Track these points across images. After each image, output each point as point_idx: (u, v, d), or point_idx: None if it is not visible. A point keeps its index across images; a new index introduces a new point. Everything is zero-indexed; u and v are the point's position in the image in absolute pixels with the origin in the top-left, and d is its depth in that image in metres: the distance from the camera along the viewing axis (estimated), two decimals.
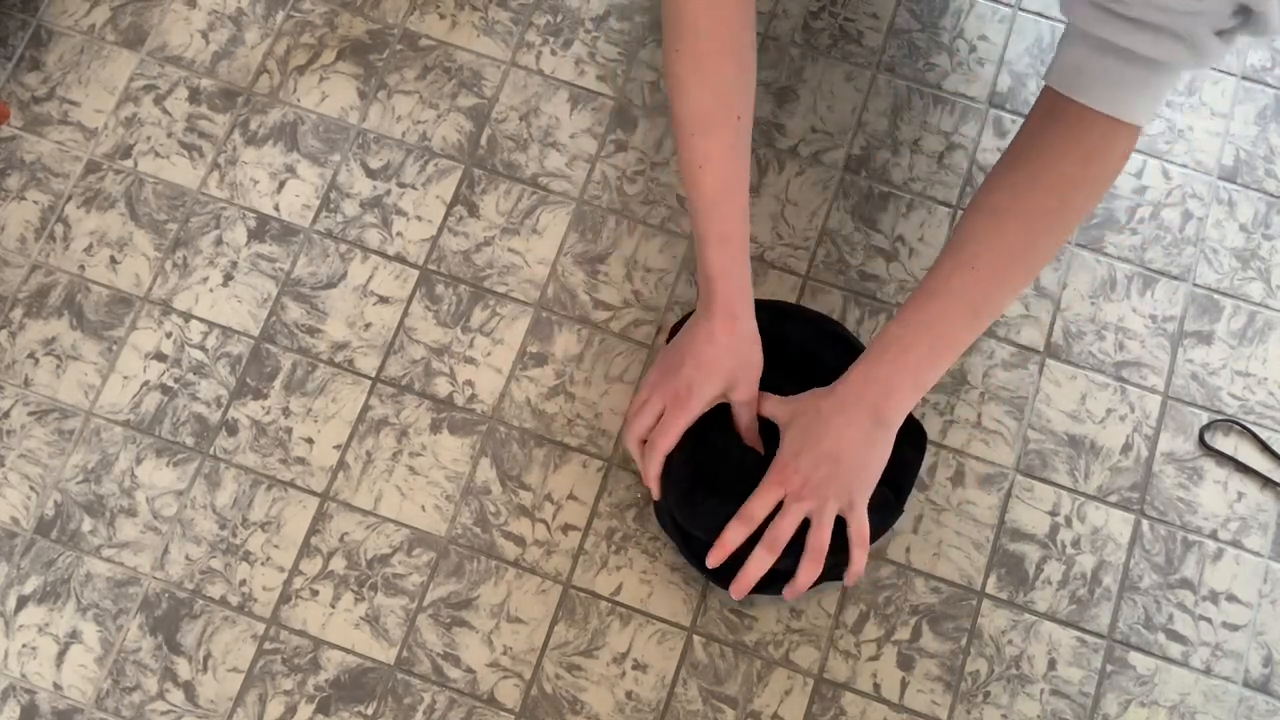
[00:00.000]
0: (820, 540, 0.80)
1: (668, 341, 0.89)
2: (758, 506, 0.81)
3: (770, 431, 0.87)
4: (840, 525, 0.82)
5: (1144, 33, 0.65)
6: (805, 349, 0.90)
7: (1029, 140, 0.75)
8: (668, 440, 0.83)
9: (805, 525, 0.82)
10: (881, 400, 0.79)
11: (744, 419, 0.86)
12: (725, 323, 0.82)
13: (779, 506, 0.81)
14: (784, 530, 0.80)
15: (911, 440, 0.87)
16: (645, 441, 0.85)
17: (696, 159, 0.79)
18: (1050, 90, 0.74)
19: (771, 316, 0.90)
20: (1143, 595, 0.90)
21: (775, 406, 0.85)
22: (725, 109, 0.78)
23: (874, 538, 0.86)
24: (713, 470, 0.86)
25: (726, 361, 0.83)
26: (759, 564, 0.81)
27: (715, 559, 0.82)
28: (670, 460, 0.85)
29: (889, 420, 0.80)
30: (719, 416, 0.87)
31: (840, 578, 0.86)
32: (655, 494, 0.86)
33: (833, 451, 0.80)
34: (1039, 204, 0.74)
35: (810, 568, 0.81)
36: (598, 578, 0.90)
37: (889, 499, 0.86)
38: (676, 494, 0.85)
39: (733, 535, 0.82)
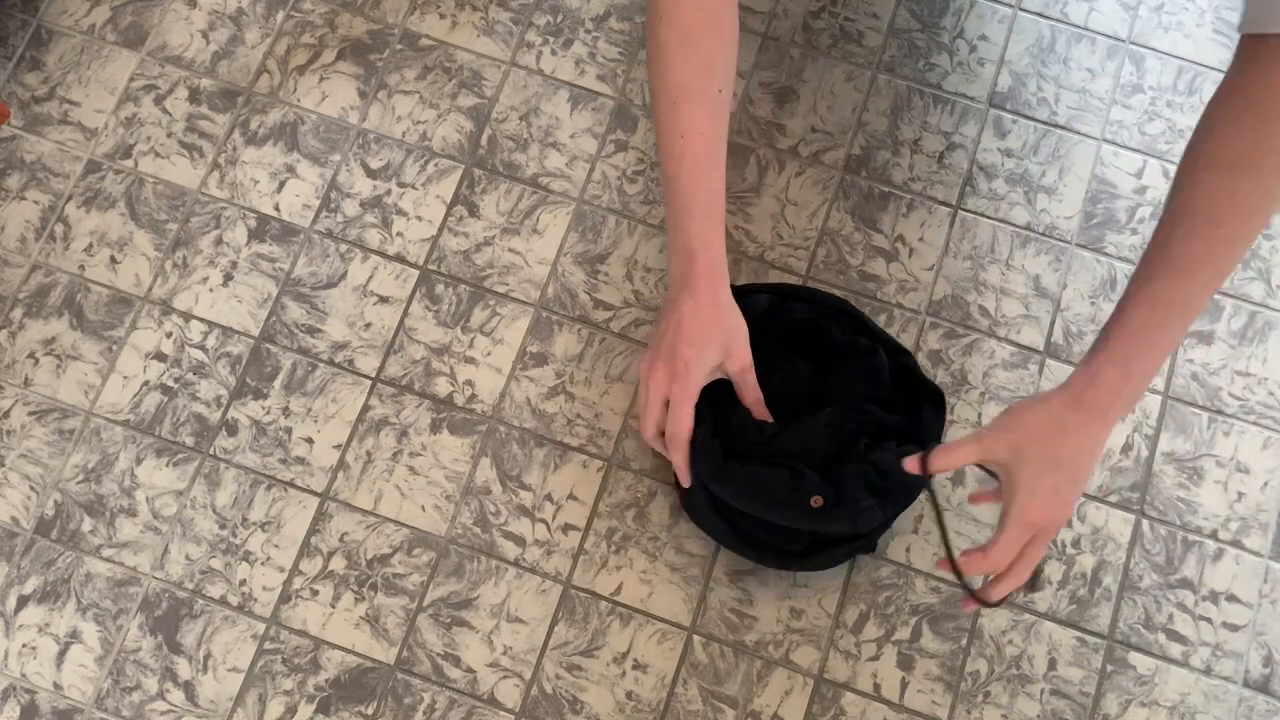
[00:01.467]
0: (1035, 557, 0.73)
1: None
2: (1005, 553, 0.73)
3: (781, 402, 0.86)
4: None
5: None
6: (814, 325, 0.89)
7: (1242, 90, 0.68)
8: (683, 423, 0.81)
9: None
10: (1126, 408, 0.71)
11: (748, 392, 0.83)
12: (708, 294, 0.80)
13: None
14: (1026, 564, 0.74)
15: (930, 400, 0.86)
16: (663, 435, 0.83)
17: (679, 128, 0.78)
18: (1251, 40, 0.67)
19: (776, 298, 0.90)
20: (1143, 595, 0.90)
21: (977, 445, 0.74)
22: (708, 80, 0.78)
23: (909, 501, 0.85)
24: (733, 446, 0.84)
25: (715, 331, 0.80)
26: (1000, 593, 0.75)
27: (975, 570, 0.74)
28: (692, 444, 0.82)
29: (1116, 420, 0.72)
30: (725, 396, 0.85)
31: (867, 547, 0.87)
32: (686, 481, 0.84)
33: (1072, 477, 0.72)
34: (1271, 145, 0.66)
35: (1013, 583, 0.75)
36: (598, 578, 0.90)
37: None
38: (708, 470, 0.83)
39: (979, 568, 0.74)
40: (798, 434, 0.83)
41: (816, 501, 0.82)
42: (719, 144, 0.79)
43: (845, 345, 0.87)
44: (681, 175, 0.79)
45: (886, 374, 0.87)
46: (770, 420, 0.85)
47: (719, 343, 0.81)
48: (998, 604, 0.76)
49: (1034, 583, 0.83)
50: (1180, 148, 1.01)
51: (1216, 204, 0.68)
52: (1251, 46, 0.68)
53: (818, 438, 0.84)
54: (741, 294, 0.86)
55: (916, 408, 0.86)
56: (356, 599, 0.89)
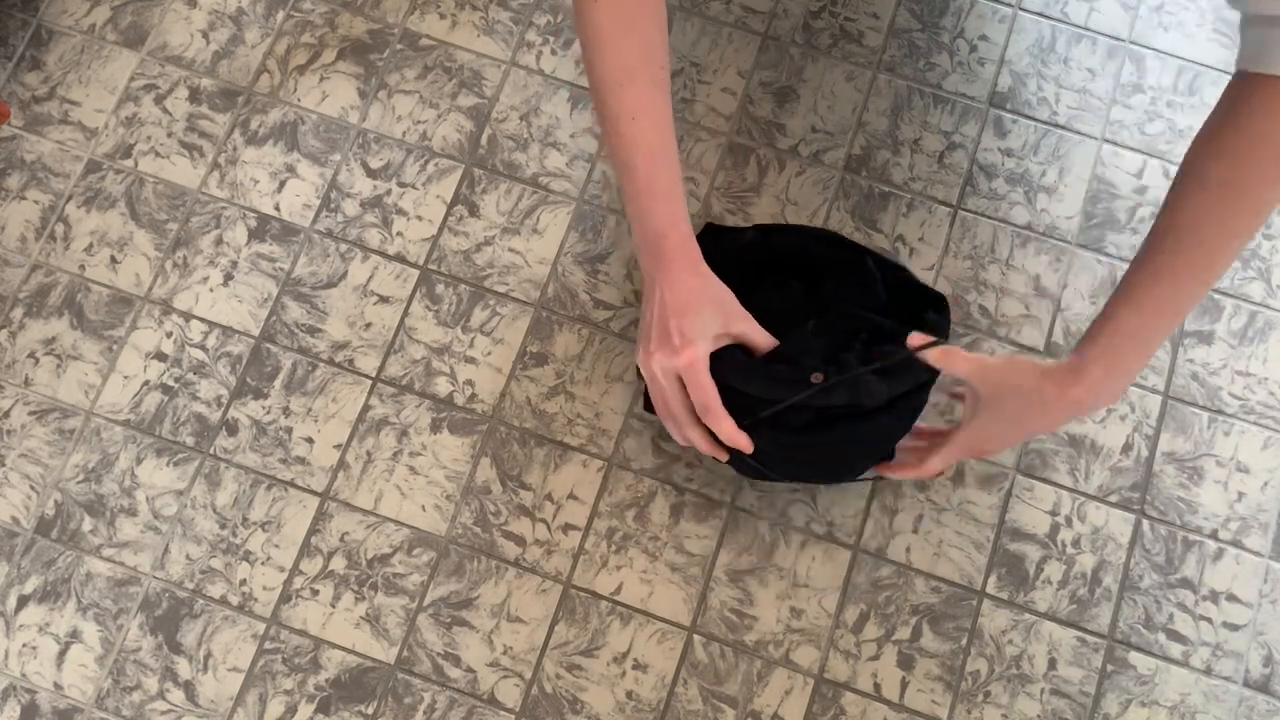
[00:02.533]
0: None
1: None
2: (937, 468, 0.83)
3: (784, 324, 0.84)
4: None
5: None
6: (799, 248, 0.88)
7: (1231, 121, 0.71)
8: (708, 389, 0.77)
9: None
10: (1108, 402, 0.76)
11: (762, 342, 0.81)
12: (685, 269, 0.78)
13: None
14: (947, 461, 0.83)
15: (934, 306, 0.86)
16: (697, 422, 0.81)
17: (627, 111, 0.77)
18: (1244, 78, 0.71)
19: (759, 234, 0.90)
20: (1143, 595, 0.90)
21: (976, 369, 0.78)
22: (648, 60, 0.77)
23: (915, 382, 0.83)
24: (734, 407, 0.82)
25: (703, 296, 0.78)
26: (904, 473, 0.84)
27: (895, 469, 0.84)
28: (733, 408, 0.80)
29: (1095, 409, 0.78)
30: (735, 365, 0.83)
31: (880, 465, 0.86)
32: (747, 447, 0.79)
33: (1025, 434, 0.79)
34: (1261, 172, 0.70)
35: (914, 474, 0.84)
36: (598, 577, 0.90)
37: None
38: (748, 420, 0.80)
39: (901, 463, 0.84)
40: (788, 349, 0.81)
41: (817, 378, 0.79)
42: (669, 124, 0.78)
43: (832, 258, 0.86)
44: (638, 160, 0.78)
45: (879, 282, 0.86)
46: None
47: (712, 305, 0.78)
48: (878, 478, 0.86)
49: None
50: (1181, 148, 1.01)
51: (1204, 222, 0.71)
52: (1248, 80, 0.71)
53: (809, 346, 0.81)
54: (722, 232, 0.86)
55: (920, 317, 0.85)
56: (357, 599, 0.89)
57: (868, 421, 0.82)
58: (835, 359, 0.80)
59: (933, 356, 0.79)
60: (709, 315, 0.78)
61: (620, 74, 0.77)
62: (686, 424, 0.80)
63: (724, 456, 0.82)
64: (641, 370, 0.81)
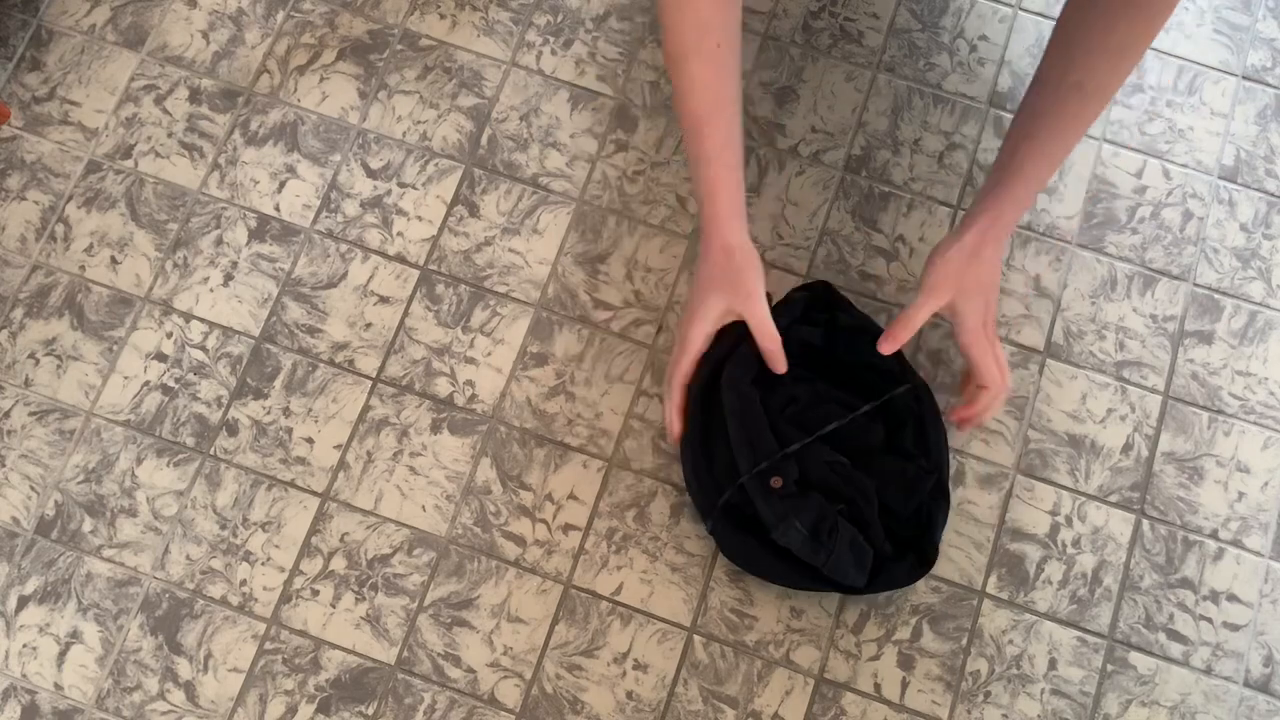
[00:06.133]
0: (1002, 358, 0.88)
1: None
2: (991, 365, 0.86)
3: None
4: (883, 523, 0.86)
5: None
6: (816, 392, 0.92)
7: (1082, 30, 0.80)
8: (681, 366, 0.87)
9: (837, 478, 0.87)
10: (1008, 234, 0.86)
11: (759, 328, 0.86)
12: (718, 237, 0.85)
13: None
14: (1001, 362, 0.87)
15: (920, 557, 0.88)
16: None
17: (684, 84, 0.83)
18: None
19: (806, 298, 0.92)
20: (1143, 595, 0.90)
21: (937, 294, 0.85)
22: (704, 36, 0.82)
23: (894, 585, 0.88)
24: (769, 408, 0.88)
25: (719, 274, 0.85)
26: (992, 407, 0.88)
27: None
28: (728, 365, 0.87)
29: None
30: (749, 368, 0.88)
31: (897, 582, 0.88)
32: (676, 431, 0.88)
33: (990, 291, 0.86)
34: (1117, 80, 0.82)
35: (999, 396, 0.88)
36: (598, 578, 0.90)
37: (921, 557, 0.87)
38: (738, 364, 0.87)
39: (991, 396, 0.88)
40: (802, 462, 0.86)
41: (776, 482, 0.85)
42: (722, 95, 0.84)
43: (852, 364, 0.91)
44: (689, 127, 0.84)
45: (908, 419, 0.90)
46: (784, 370, 0.87)
47: (726, 286, 0.85)
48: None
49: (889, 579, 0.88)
50: (1181, 148, 1.01)
51: (1104, 80, 0.82)
52: None
53: (819, 469, 0.86)
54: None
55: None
56: (357, 599, 0.89)
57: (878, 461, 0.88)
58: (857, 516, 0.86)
59: (901, 339, 0.86)
60: (716, 297, 0.85)
61: (676, 50, 0.83)
62: (667, 382, 0.89)
63: (674, 428, 0.88)
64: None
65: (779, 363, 0.86)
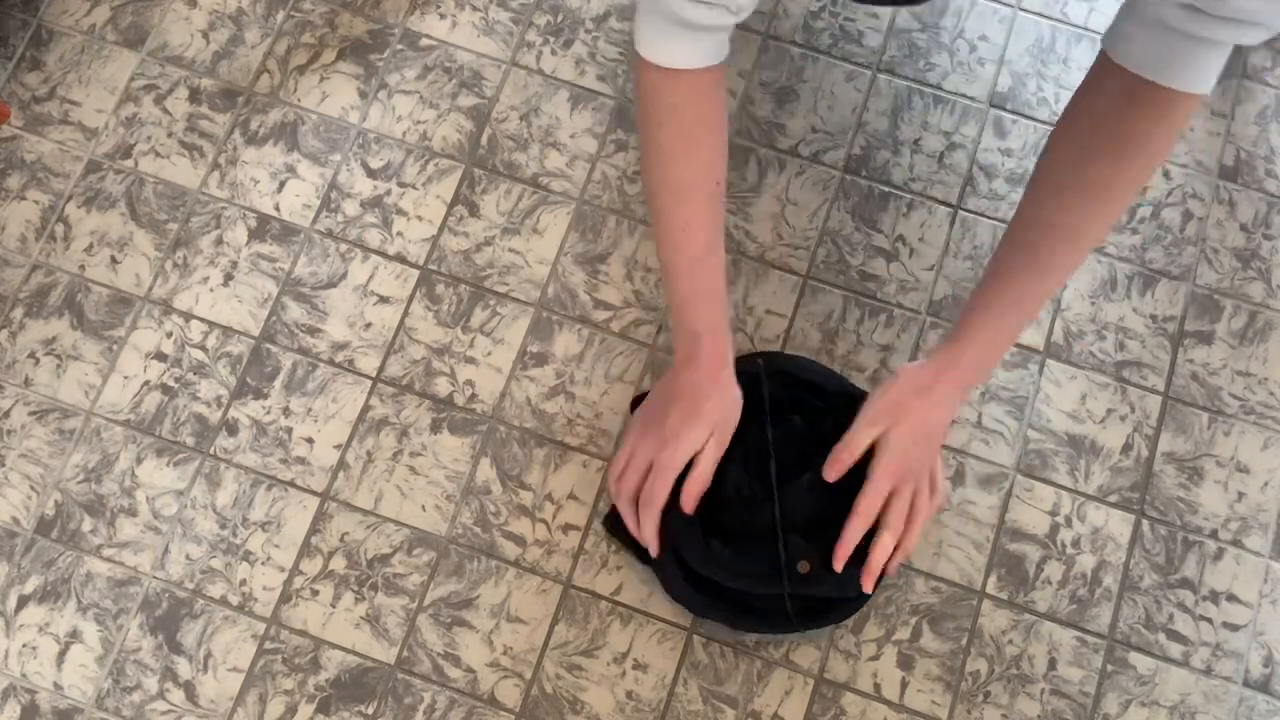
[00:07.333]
0: (918, 508, 0.84)
1: (632, 409, 0.91)
2: (873, 501, 0.82)
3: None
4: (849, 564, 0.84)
5: (1233, 27, 0.66)
6: (794, 397, 0.91)
7: (1091, 111, 0.75)
8: (660, 492, 0.83)
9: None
10: (970, 380, 0.83)
11: (699, 474, 0.84)
12: (710, 373, 0.83)
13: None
14: (898, 514, 0.83)
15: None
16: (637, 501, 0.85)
17: (682, 222, 0.82)
18: (1117, 68, 0.73)
19: (748, 379, 0.89)
20: (1143, 595, 0.90)
21: (875, 417, 0.83)
22: (708, 176, 0.82)
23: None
24: (720, 521, 0.86)
25: (710, 409, 0.83)
26: (883, 549, 0.83)
27: (841, 558, 0.83)
28: (668, 521, 0.84)
29: (971, 391, 0.82)
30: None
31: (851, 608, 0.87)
32: (655, 550, 0.85)
33: (930, 434, 0.83)
34: (1142, 176, 0.75)
35: (890, 539, 0.83)
36: (598, 577, 0.90)
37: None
38: (693, 557, 0.85)
39: (853, 535, 0.83)
40: (784, 500, 0.86)
41: (804, 567, 0.84)
42: (718, 233, 0.84)
43: (826, 408, 0.89)
44: (684, 266, 0.83)
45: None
46: (690, 514, 0.85)
47: (714, 423, 0.84)
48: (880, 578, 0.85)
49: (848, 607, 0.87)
50: (1181, 148, 1.01)
51: (1078, 222, 0.77)
52: (1123, 79, 0.73)
53: (802, 502, 0.85)
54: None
55: None
56: (357, 599, 0.89)
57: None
58: (823, 538, 0.85)
59: (844, 464, 0.84)
60: (703, 431, 0.83)
61: (678, 189, 0.82)
62: (627, 497, 0.86)
63: (655, 551, 0.85)
64: (628, 432, 0.87)
65: (689, 503, 0.85)
